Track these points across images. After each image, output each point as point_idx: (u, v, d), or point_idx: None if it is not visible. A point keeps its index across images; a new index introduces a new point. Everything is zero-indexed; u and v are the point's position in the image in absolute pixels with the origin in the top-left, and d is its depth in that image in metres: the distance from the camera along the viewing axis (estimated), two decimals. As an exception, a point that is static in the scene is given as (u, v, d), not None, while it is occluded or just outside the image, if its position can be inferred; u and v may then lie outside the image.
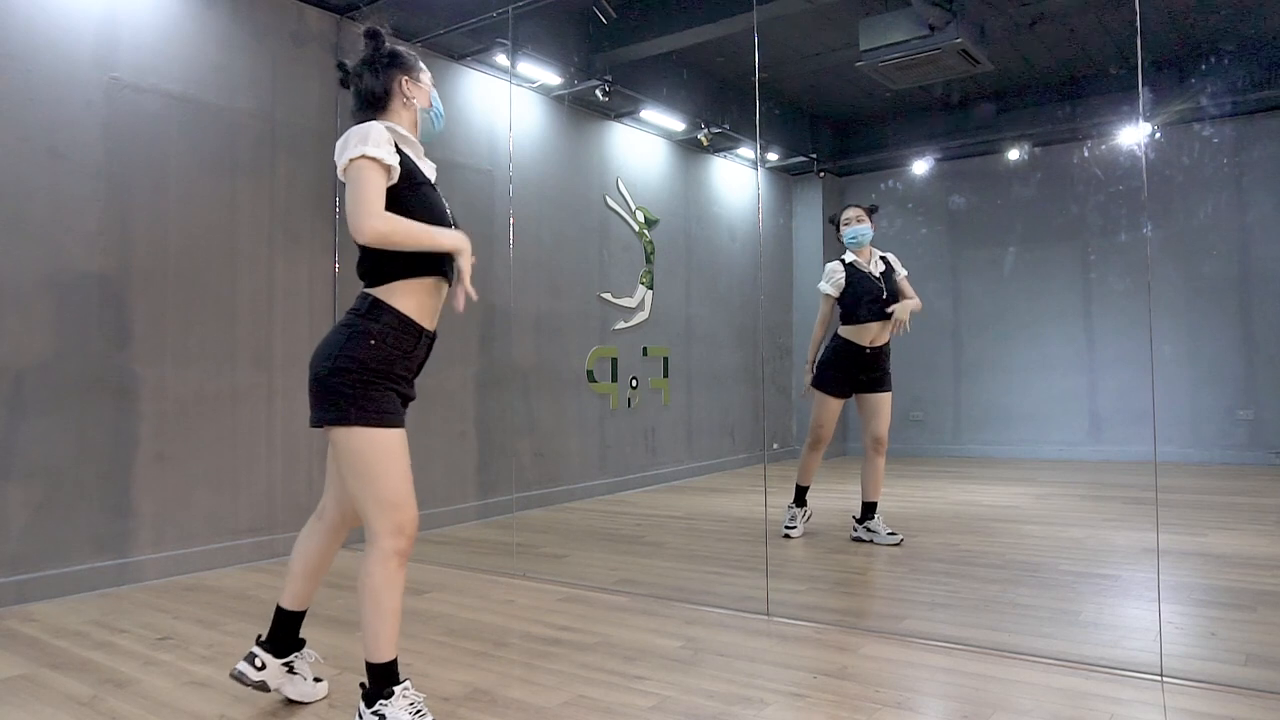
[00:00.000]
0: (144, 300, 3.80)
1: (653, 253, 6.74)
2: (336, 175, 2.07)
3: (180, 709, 2.33)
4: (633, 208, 6.58)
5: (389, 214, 1.95)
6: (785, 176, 7.67)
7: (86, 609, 3.34)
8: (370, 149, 1.95)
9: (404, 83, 2.14)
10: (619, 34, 5.50)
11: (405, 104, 2.15)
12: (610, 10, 5.05)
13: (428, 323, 2.12)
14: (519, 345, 5.58)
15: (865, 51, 5.09)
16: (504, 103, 5.45)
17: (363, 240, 1.93)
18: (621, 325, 6.41)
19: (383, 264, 2.03)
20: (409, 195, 2.04)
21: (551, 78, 5.60)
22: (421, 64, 2.21)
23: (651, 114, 6.42)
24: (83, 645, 2.89)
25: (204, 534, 3.97)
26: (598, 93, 5.72)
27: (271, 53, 4.30)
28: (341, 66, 2.18)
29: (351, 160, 1.95)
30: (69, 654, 2.80)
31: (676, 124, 6.65)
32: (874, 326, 4.27)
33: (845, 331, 4.34)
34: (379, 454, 2.00)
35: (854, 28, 5.19)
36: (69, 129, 3.60)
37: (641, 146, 6.71)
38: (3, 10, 3.43)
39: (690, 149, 7.11)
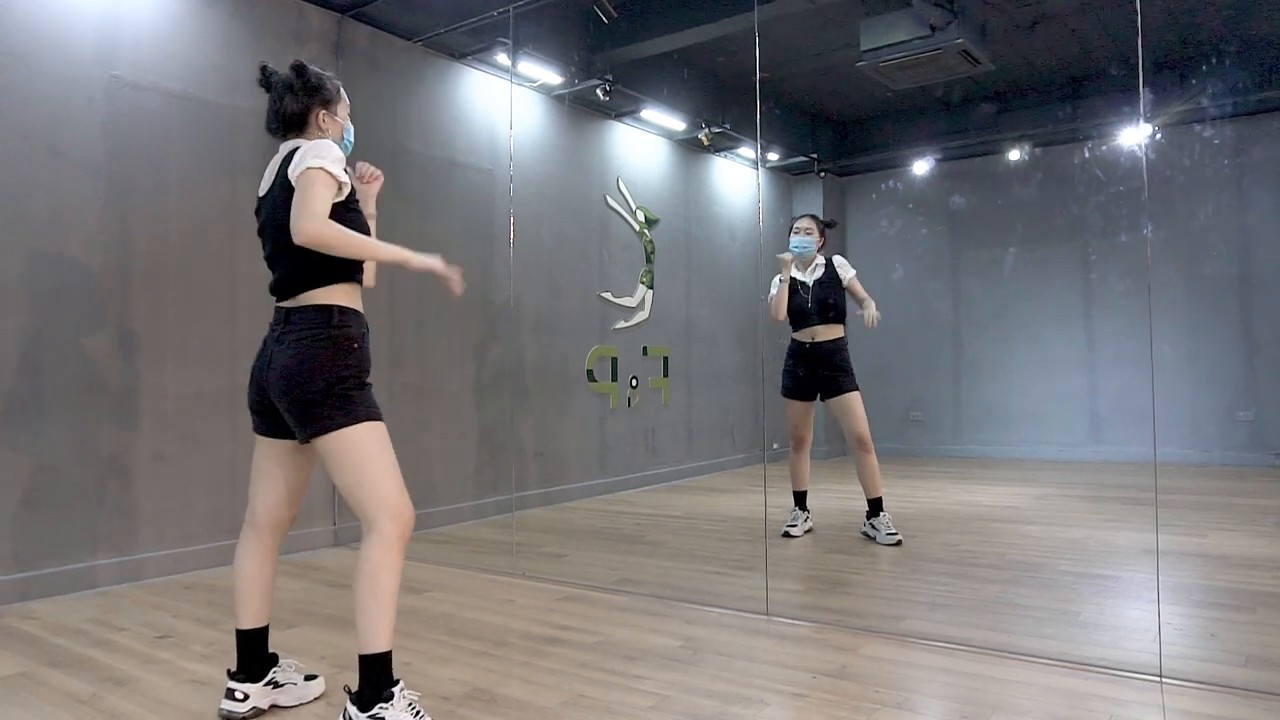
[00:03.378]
0: (144, 300, 3.80)
1: (653, 252, 6.74)
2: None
3: (179, 707, 2.33)
4: (633, 207, 6.58)
5: (330, 220, 2.03)
6: (786, 176, 7.68)
7: (86, 607, 3.34)
8: (328, 164, 2.07)
9: (320, 114, 2.26)
10: (619, 33, 5.50)
11: (320, 133, 2.26)
12: (611, 10, 5.05)
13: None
14: (519, 345, 5.58)
15: (866, 51, 5.09)
16: (504, 102, 5.45)
17: (300, 240, 2.00)
18: (621, 325, 6.41)
19: (323, 270, 2.13)
20: (346, 215, 2.15)
21: (552, 77, 5.60)
22: (343, 95, 2.32)
23: (652, 114, 6.42)
24: (82, 643, 2.89)
25: (203, 533, 3.97)
26: (598, 92, 5.72)
27: (272, 51, 4.30)
28: (264, 70, 2.27)
29: (308, 169, 2.05)
30: (68, 652, 2.80)
31: (677, 124, 6.65)
32: (808, 329, 4.46)
33: (792, 334, 4.57)
34: (380, 445, 2.11)
35: (855, 28, 5.18)
36: (70, 127, 3.60)
37: (642, 146, 6.71)
38: (3, 9, 3.43)
39: (691, 149, 7.11)
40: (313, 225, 1.99)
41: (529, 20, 4.99)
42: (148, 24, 3.87)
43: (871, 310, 4.37)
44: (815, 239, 4.47)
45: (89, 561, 3.59)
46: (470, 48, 5.18)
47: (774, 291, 4.54)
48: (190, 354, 3.95)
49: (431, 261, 2.17)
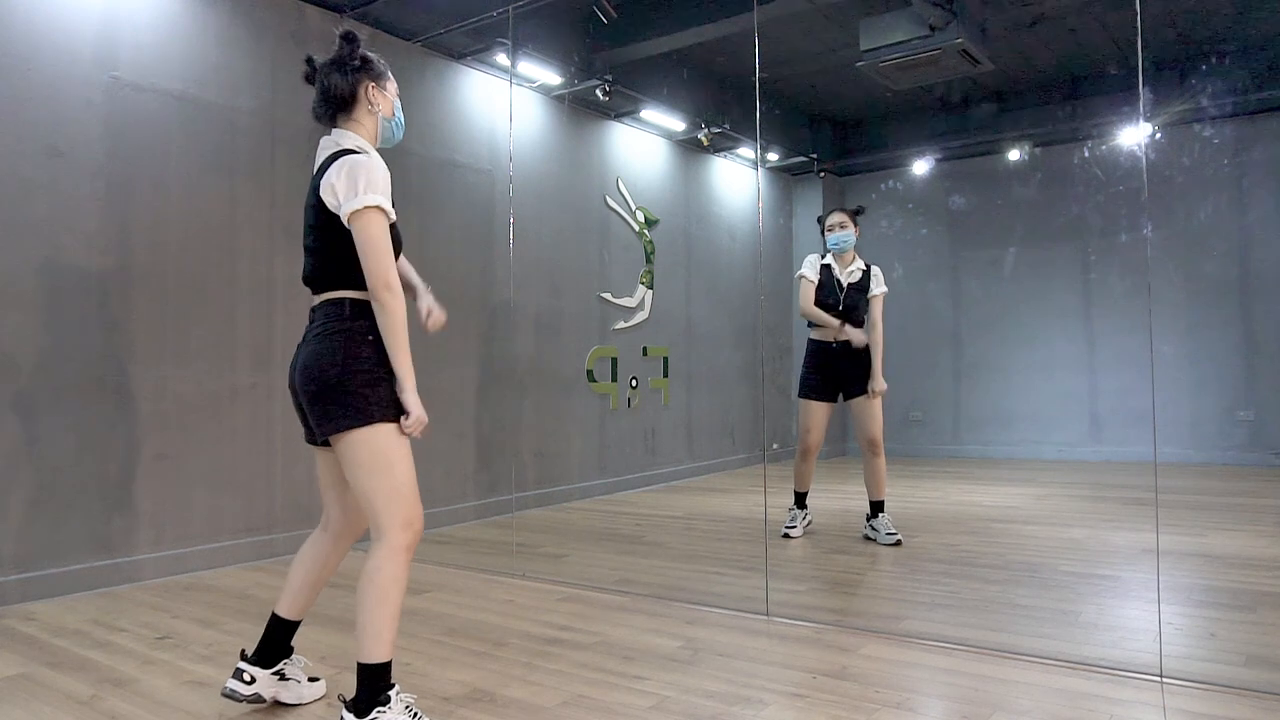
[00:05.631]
0: (144, 299, 3.80)
1: (653, 253, 6.74)
2: (327, 183, 2.07)
3: (179, 708, 2.33)
4: (633, 208, 6.58)
5: (399, 298, 2.04)
6: (785, 176, 7.67)
7: (85, 608, 3.34)
8: (384, 201, 2.03)
9: (370, 89, 2.18)
10: (619, 34, 5.49)
11: (369, 110, 2.19)
12: (610, 10, 5.05)
13: None
14: (519, 345, 5.58)
15: (866, 51, 5.09)
16: (504, 102, 5.45)
17: (378, 290, 2.01)
18: (621, 325, 6.41)
19: (348, 273, 2.09)
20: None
21: (552, 77, 5.59)
22: (390, 74, 2.25)
23: (652, 114, 6.42)
24: (82, 644, 2.89)
25: (203, 533, 3.97)
26: (598, 92, 5.72)
27: (271, 52, 4.30)
28: (310, 61, 2.20)
29: (367, 209, 2.00)
30: (68, 653, 2.80)
31: (677, 124, 6.65)
32: (834, 327, 4.39)
33: (812, 333, 4.48)
34: (395, 448, 2.05)
35: (854, 28, 5.18)
36: (69, 128, 3.60)
37: (641, 146, 6.71)
38: (3, 10, 3.43)
39: (690, 149, 7.11)
40: (387, 292, 2.00)
41: (529, 20, 4.99)
42: (148, 24, 3.87)
43: (879, 384, 4.33)
44: (853, 230, 4.38)
45: (89, 562, 3.59)
46: (470, 48, 5.18)
47: (814, 269, 4.45)
48: (190, 354, 3.94)
49: (413, 405, 2.08)
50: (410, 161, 4.93)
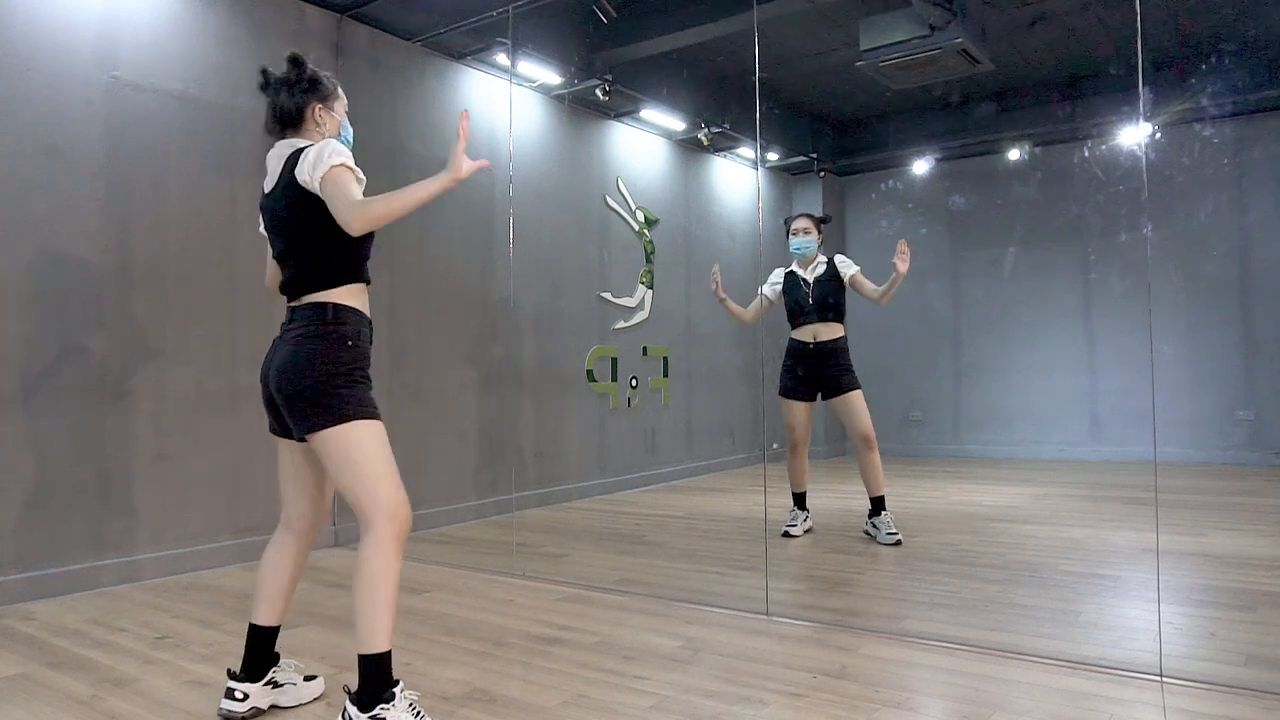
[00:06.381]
0: (144, 299, 3.80)
1: (653, 252, 6.74)
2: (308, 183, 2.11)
3: (179, 708, 2.33)
4: (633, 207, 6.58)
5: (369, 198, 2.02)
6: (785, 176, 7.67)
7: (85, 608, 3.34)
8: (348, 159, 2.09)
9: (317, 110, 2.25)
10: (619, 33, 5.49)
11: (316, 128, 2.26)
12: (610, 9, 5.05)
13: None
14: (519, 345, 5.58)
15: (866, 51, 5.09)
16: (504, 102, 5.45)
17: (358, 232, 2.01)
18: (621, 325, 6.40)
19: (330, 271, 2.13)
20: None
21: (551, 77, 5.59)
22: (340, 93, 2.32)
23: (651, 113, 6.42)
24: (82, 644, 2.89)
25: (203, 533, 3.97)
26: (598, 92, 5.72)
27: (272, 52, 4.30)
28: (264, 73, 2.27)
29: (332, 168, 2.05)
30: (68, 653, 2.80)
31: (677, 124, 6.65)
32: (809, 328, 4.46)
33: (791, 334, 4.56)
34: (374, 443, 2.09)
35: (854, 27, 5.18)
36: (69, 128, 3.60)
37: (641, 146, 6.71)
38: (3, 9, 3.43)
39: (690, 149, 7.11)
40: (360, 213, 1.98)
41: (529, 20, 4.99)
42: (148, 24, 3.87)
43: (901, 268, 4.11)
44: (815, 237, 4.48)
45: (89, 562, 3.59)
46: (470, 48, 5.18)
47: (772, 288, 4.58)
48: (190, 354, 3.94)
49: (465, 166, 2.04)
50: (410, 161, 4.93)
